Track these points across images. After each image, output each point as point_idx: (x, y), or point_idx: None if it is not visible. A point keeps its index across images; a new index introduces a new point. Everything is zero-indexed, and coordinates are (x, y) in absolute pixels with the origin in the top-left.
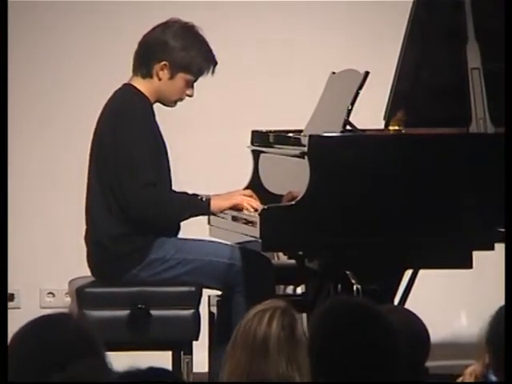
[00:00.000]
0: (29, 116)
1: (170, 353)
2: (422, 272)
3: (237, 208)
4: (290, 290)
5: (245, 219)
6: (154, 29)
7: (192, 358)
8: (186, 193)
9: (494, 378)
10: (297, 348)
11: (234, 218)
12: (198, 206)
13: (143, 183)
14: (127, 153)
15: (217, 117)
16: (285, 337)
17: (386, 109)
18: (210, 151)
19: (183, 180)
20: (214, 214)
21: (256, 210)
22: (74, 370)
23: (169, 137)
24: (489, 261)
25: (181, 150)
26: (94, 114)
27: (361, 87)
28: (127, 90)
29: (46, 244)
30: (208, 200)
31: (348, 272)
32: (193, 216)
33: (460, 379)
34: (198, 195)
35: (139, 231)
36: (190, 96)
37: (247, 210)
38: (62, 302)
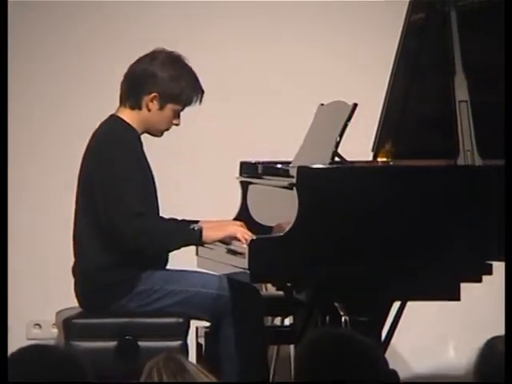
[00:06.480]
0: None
1: None
2: (410, 303)
3: (230, 239)
4: (278, 321)
5: (233, 250)
6: (139, 60)
7: None
8: (175, 219)
9: None
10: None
11: (222, 249)
12: (189, 235)
13: (132, 213)
14: (115, 184)
15: (205, 147)
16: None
17: (375, 140)
18: (198, 182)
19: (172, 211)
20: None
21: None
22: None
23: (157, 167)
24: (477, 293)
25: (169, 181)
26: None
27: (349, 119)
28: (114, 121)
29: (33, 275)
30: (200, 230)
31: (336, 303)
32: (184, 246)
33: None
34: (189, 223)
35: (128, 262)
36: (177, 125)
37: (240, 241)
38: (49, 334)
